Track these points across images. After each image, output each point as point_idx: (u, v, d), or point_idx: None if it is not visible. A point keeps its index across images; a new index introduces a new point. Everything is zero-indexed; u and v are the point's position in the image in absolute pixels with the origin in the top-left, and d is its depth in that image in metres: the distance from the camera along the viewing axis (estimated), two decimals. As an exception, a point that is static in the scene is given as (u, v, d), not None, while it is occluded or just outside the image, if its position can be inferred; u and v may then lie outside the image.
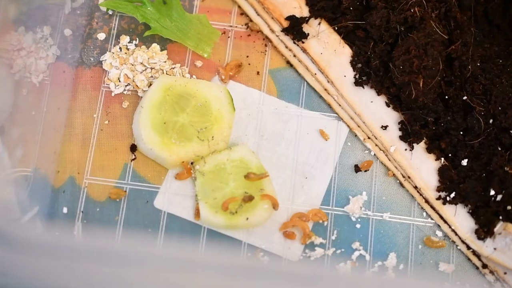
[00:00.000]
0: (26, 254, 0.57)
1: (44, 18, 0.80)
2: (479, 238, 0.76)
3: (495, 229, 0.76)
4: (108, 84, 0.81)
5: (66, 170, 0.78)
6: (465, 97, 0.78)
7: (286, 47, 0.82)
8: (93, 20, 0.84)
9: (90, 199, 0.78)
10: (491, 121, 0.78)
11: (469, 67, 0.78)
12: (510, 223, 0.75)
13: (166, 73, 0.81)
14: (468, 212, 0.77)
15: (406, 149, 0.78)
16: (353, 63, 0.81)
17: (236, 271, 0.59)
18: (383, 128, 0.79)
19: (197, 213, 0.77)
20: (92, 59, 0.82)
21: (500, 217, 0.76)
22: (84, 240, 0.73)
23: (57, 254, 0.58)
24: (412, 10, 0.78)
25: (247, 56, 0.83)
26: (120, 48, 0.82)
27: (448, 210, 0.77)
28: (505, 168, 0.76)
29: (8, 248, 0.58)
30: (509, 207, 0.76)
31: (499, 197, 0.76)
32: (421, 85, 0.77)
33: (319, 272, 0.64)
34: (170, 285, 0.60)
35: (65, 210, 0.77)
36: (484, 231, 0.76)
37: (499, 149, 0.77)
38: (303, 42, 0.82)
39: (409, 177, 0.78)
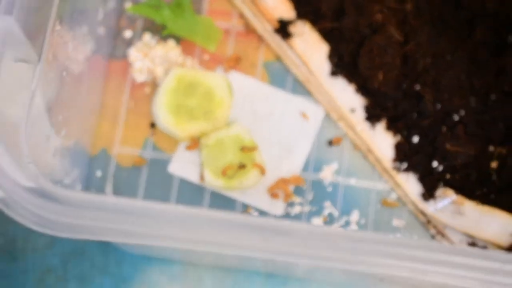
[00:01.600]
0: (69, 206, 0.63)
1: (83, 19, 0.83)
2: (425, 200, 0.83)
3: (436, 193, 0.83)
4: (134, 74, 0.86)
5: (100, 143, 0.85)
6: (418, 88, 0.85)
7: (277, 44, 0.91)
8: (122, 21, 0.92)
9: (118, 166, 0.85)
10: (438, 106, 0.84)
11: (421, 62, 0.87)
12: (448, 188, 0.82)
13: (180, 65, 0.86)
14: (417, 179, 0.83)
15: (369, 129, 0.85)
16: (329, 58, 0.89)
17: (232, 222, 0.64)
18: (352, 111, 0.86)
19: (202, 177, 0.83)
20: (121, 53, 0.88)
21: (442, 183, 0.82)
22: (115, 196, 0.83)
23: (93, 207, 0.64)
24: (376, 17, 0.89)
25: (245, 51, 0.89)
26: (143, 44, 0.87)
27: (402, 178, 0.84)
28: (447, 144, 0.84)
29: (55, 202, 0.63)
30: (447, 176, 0.82)
31: (440, 168, 0.83)
32: (381, 78, 0.87)
33: (297, 224, 0.67)
34: (182, 224, 0.63)
35: (99, 174, 0.85)
36: (428, 194, 0.82)
37: (443, 129, 0.84)
38: (290, 40, 0.90)
39: (371, 151, 0.85)
